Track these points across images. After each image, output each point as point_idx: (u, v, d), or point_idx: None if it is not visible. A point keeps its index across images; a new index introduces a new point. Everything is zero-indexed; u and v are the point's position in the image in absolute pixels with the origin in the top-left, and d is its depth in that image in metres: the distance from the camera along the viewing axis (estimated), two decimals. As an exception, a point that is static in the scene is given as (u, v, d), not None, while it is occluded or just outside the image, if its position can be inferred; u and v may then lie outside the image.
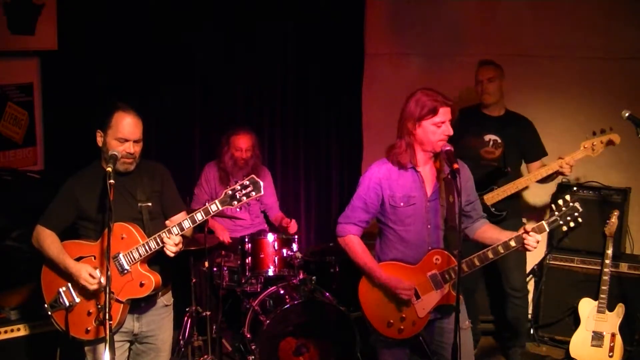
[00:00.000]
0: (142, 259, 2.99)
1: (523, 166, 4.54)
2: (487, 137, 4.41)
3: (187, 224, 2.97)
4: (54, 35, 4.57)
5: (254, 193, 2.92)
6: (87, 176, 3.12)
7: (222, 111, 5.34)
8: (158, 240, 2.97)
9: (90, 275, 2.97)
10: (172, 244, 2.95)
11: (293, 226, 4.78)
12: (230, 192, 2.93)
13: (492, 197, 4.31)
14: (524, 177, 4.35)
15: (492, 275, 4.61)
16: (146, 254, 2.98)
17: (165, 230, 2.97)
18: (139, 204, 3.08)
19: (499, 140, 4.39)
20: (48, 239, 3.07)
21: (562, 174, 4.20)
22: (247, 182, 2.93)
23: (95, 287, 2.97)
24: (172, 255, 2.99)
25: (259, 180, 2.93)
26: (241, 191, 2.92)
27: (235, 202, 2.93)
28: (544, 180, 4.32)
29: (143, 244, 2.98)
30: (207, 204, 2.98)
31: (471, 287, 4.52)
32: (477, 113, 4.48)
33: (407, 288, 3.13)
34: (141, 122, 3.07)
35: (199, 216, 2.96)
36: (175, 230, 2.96)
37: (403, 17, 5.59)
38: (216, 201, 2.95)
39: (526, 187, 4.44)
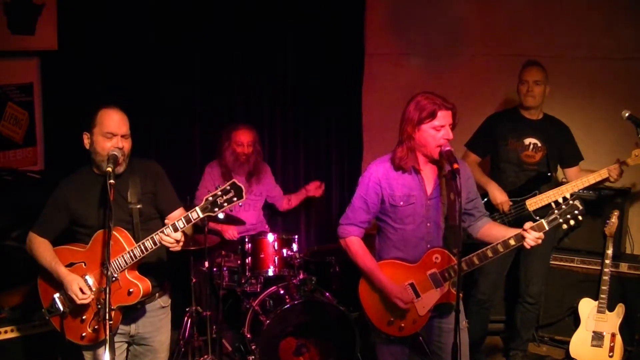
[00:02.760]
0: (128, 267, 2.95)
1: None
2: (527, 141, 4.31)
3: (169, 230, 2.86)
4: (54, 35, 4.57)
5: (235, 199, 2.77)
6: (78, 181, 3.09)
7: (222, 111, 5.34)
8: (142, 248, 2.91)
9: (81, 290, 2.94)
10: (172, 241, 2.87)
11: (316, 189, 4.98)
12: (210, 199, 2.79)
13: (534, 203, 4.18)
14: (570, 183, 4.19)
15: (512, 278, 4.59)
16: (132, 262, 2.93)
17: (157, 232, 2.90)
18: (130, 206, 3.03)
19: (539, 144, 4.29)
20: (40, 247, 3.06)
21: (609, 181, 4.08)
22: (228, 187, 2.77)
23: (81, 302, 2.94)
24: (178, 249, 2.91)
25: (240, 185, 2.79)
26: (222, 197, 2.78)
27: (217, 209, 2.78)
28: (587, 187, 4.21)
29: (128, 251, 2.92)
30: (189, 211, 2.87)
31: (490, 298, 4.50)
32: (516, 115, 4.37)
33: (406, 301, 3.13)
34: (127, 118, 3.03)
35: (180, 224, 2.85)
36: (168, 230, 2.87)
37: (403, 17, 5.59)
38: (196, 208, 2.82)
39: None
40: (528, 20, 5.18)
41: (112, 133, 2.96)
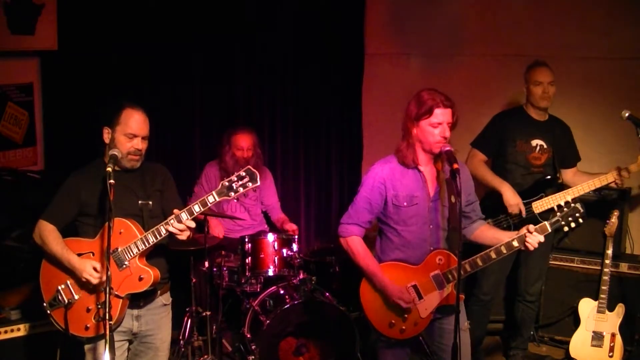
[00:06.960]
0: (140, 253, 3.00)
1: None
2: (534, 142, 4.27)
3: (184, 217, 2.95)
4: (54, 35, 4.58)
5: (250, 183, 2.89)
6: (91, 172, 3.13)
7: (222, 111, 5.34)
8: (156, 233, 2.96)
9: (94, 269, 2.98)
10: (183, 227, 2.94)
11: (294, 230, 4.75)
12: (226, 183, 2.90)
13: (540, 206, 4.16)
14: (576, 186, 4.18)
15: (511, 277, 4.58)
16: (145, 248, 2.99)
17: (165, 221, 2.96)
18: (140, 202, 3.10)
19: (545, 146, 4.27)
20: (51, 235, 3.08)
21: (615, 184, 4.09)
22: (243, 173, 2.90)
23: (97, 281, 2.98)
24: (184, 238, 2.99)
25: (255, 171, 2.91)
26: (237, 182, 2.89)
27: (232, 193, 2.90)
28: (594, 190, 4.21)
29: (141, 238, 2.98)
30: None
31: (492, 299, 4.49)
32: (523, 116, 4.33)
33: (407, 300, 3.13)
34: (148, 120, 3.10)
35: (197, 208, 2.94)
36: (184, 216, 2.95)
37: (403, 17, 5.59)
38: (213, 192, 2.92)
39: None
40: (528, 20, 5.18)
41: (134, 134, 3.05)
